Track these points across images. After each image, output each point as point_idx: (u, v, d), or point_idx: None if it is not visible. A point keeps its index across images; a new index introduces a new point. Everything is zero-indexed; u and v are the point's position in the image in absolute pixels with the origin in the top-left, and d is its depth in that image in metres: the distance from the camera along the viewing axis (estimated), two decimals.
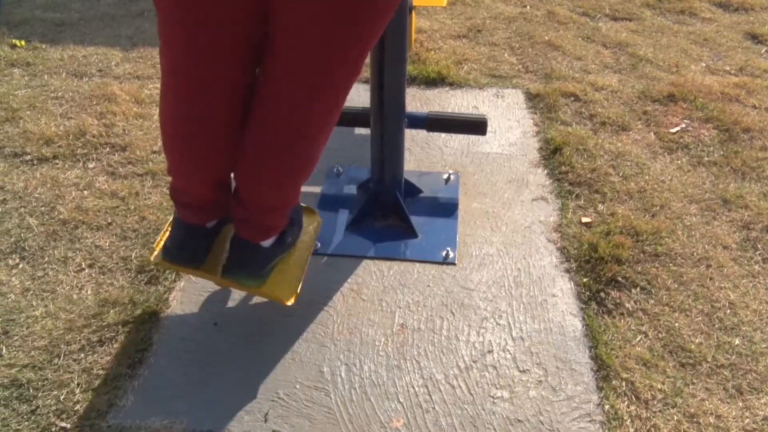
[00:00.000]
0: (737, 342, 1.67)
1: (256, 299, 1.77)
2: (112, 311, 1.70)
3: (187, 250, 1.55)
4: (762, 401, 1.53)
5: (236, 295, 1.78)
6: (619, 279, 1.83)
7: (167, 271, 1.83)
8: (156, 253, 1.62)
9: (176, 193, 1.52)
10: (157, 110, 2.61)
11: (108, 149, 2.37)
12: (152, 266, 1.83)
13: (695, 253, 1.94)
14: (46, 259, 1.88)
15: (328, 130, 1.44)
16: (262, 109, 1.37)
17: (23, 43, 3.16)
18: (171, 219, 1.61)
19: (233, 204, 1.52)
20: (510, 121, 2.62)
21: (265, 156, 1.41)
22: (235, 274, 1.54)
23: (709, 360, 1.62)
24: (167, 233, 1.62)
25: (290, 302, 1.59)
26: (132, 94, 2.70)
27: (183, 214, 1.54)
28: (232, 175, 1.52)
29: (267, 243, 1.55)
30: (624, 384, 1.55)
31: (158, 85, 2.79)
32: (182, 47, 1.29)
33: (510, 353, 1.64)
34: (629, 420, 1.48)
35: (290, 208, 1.57)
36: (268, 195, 1.49)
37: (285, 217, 1.57)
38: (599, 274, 1.85)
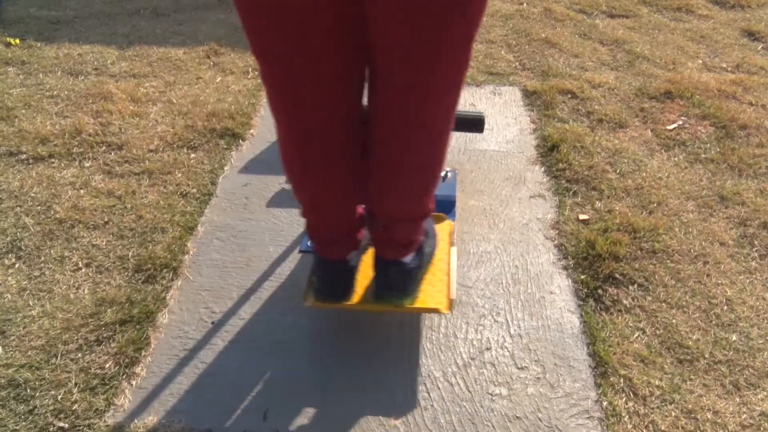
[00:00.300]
0: (734, 338, 1.68)
1: (253, 297, 1.77)
2: (109, 310, 1.70)
3: (338, 286, 1.55)
4: (759, 397, 1.53)
5: (233, 294, 1.79)
6: (617, 276, 1.84)
7: (164, 270, 1.83)
8: (308, 296, 1.59)
9: (316, 232, 1.51)
10: (153, 109, 2.61)
11: (104, 148, 2.36)
12: (151, 265, 1.83)
13: (692, 250, 1.95)
14: (43, 258, 1.87)
15: (450, 126, 1.36)
16: (380, 124, 1.33)
17: (18, 41, 3.16)
18: (313, 262, 1.59)
19: (370, 227, 1.52)
20: (507, 119, 2.62)
21: (395, 170, 1.38)
22: (387, 296, 1.54)
23: (706, 356, 1.63)
24: (312, 277, 1.60)
25: (447, 311, 1.55)
26: (128, 93, 2.70)
27: (325, 252, 1.53)
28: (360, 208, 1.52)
29: (408, 258, 1.53)
30: (622, 380, 1.56)
31: (154, 84, 2.79)
32: (292, 94, 1.26)
33: (508, 350, 1.64)
34: (627, 416, 1.48)
35: (426, 219, 1.54)
36: (403, 209, 1.46)
37: (421, 229, 1.55)
38: (597, 271, 1.85)
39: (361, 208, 1.54)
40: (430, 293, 1.59)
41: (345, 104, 1.30)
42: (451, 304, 1.57)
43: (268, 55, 1.21)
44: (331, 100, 1.27)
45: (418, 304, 1.56)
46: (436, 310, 1.55)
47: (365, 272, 1.61)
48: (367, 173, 1.41)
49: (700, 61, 3.13)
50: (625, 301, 1.77)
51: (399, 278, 1.53)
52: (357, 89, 1.31)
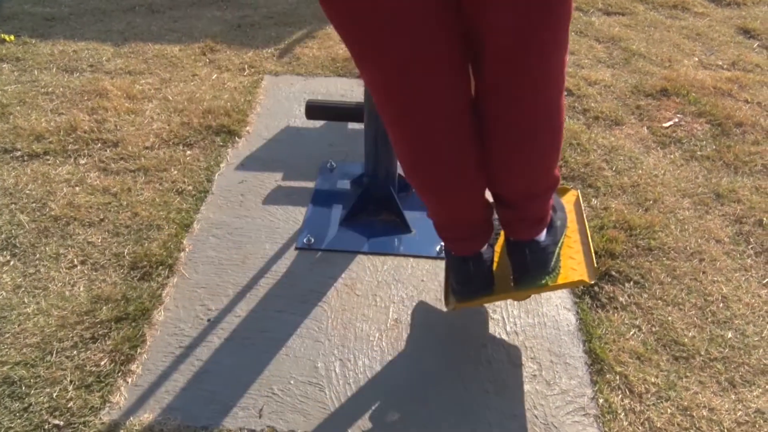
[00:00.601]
0: (730, 335, 1.68)
1: (249, 295, 1.77)
2: (104, 308, 1.70)
3: (476, 281, 1.51)
4: (754, 394, 1.54)
5: (229, 292, 1.78)
6: (613, 273, 1.84)
7: (160, 267, 1.83)
8: (450, 299, 1.57)
9: (447, 230, 1.49)
10: (149, 106, 2.60)
11: (100, 145, 2.35)
12: (146, 263, 1.83)
13: (688, 247, 1.95)
14: (38, 255, 1.87)
15: (564, 86, 1.33)
16: (495, 103, 1.29)
17: (12, 38, 3.14)
18: (446, 265, 1.57)
19: (500, 211, 1.47)
20: None
21: (518, 143, 1.33)
22: (528, 281, 1.48)
23: (702, 353, 1.63)
24: (449, 278, 1.59)
25: (593, 280, 1.50)
26: (124, 90, 2.69)
27: (458, 249, 1.50)
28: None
29: (542, 237, 1.49)
30: (618, 378, 1.56)
31: (149, 80, 2.78)
32: (407, 96, 1.23)
33: (504, 348, 1.64)
34: (623, 413, 1.48)
35: (554, 190, 1.48)
36: (532, 182, 1.41)
37: (550, 203, 1.50)
38: None
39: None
40: (571, 266, 1.53)
41: (458, 94, 1.26)
42: (595, 272, 1.51)
43: (376, 62, 1.19)
44: (444, 93, 1.24)
45: (561, 281, 1.50)
46: (582, 282, 1.49)
47: (497, 261, 1.57)
48: (486, 157, 1.36)
49: (696, 59, 3.13)
50: (621, 299, 1.77)
51: (537, 258, 1.47)
52: (466, 77, 1.27)
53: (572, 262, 1.54)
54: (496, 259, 1.60)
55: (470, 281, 1.51)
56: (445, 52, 1.19)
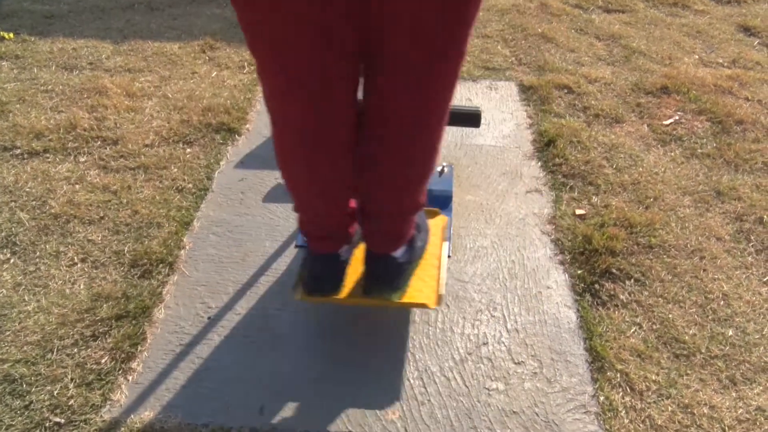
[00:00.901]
0: (731, 333, 1.68)
1: (249, 293, 1.77)
2: (105, 305, 1.69)
3: (327, 280, 1.54)
4: (755, 391, 1.54)
5: (229, 290, 1.78)
6: (614, 271, 1.84)
7: (160, 265, 1.82)
8: (298, 289, 1.58)
9: (308, 226, 1.51)
10: (149, 103, 2.59)
11: (99, 143, 2.35)
12: (147, 261, 1.83)
13: (689, 245, 1.95)
14: (38, 253, 1.87)
15: (444, 121, 1.37)
16: (375, 118, 1.33)
17: (12, 35, 3.14)
18: (303, 256, 1.59)
19: (361, 221, 1.51)
20: (503, 114, 2.62)
21: (387, 161, 1.38)
22: (377, 291, 1.53)
23: (702, 351, 1.63)
24: (302, 271, 1.60)
25: (435, 306, 1.55)
26: (123, 87, 2.68)
27: (317, 246, 1.53)
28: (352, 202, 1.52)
29: (399, 253, 1.53)
30: (619, 375, 1.56)
31: (149, 78, 2.78)
32: (289, 87, 1.25)
33: (505, 345, 1.64)
34: (624, 411, 1.48)
35: (417, 212, 1.54)
36: (399, 203, 1.46)
37: (412, 223, 1.55)
38: (593, 265, 1.85)
39: (353, 203, 1.53)
40: (419, 288, 1.58)
41: (341, 101, 1.29)
42: (439, 300, 1.56)
43: (264, 51, 1.20)
44: (328, 97, 1.27)
45: (406, 299, 1.55)
46: (424, 305, 1.54)
47: (356, 267, 1.61)
48: (358, 167, 1.40)
49: (697, 57, 3.13)
50: (621, 296, 1.77)
51: (388, 272, 1.53)
52: (353, 86, 1.30)
53: (422, 284, 1.59)
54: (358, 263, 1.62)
55: (320, 279, 1.54)
56: (330, 58, 1.20)
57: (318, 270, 1.54)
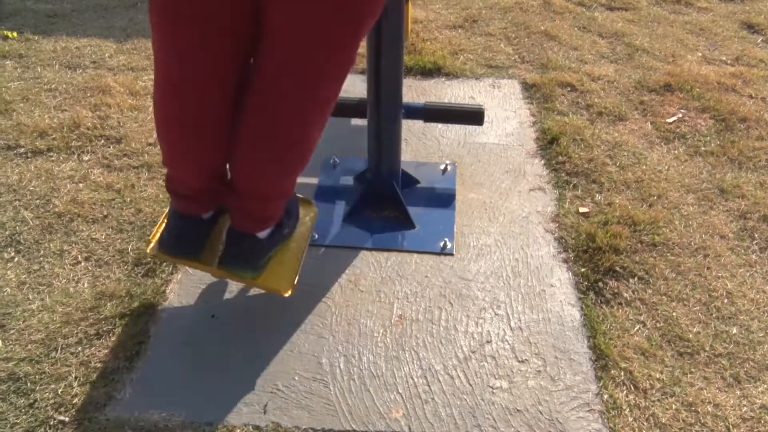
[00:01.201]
0: (735, 331, 1.68)
1: (254, 291, 1.77)
2: (109, 304, 1.70)
3: (184, 241, 1.54)
4: (759, 389, 1.53)
5: (234, 288, 1.78)
6: (617, 269, 1.83)
7: (164, 264, 1.82)
8: (152, 244, 1.61)
9: (171, 183, 1.52)
10: (152, 102, 2.59)
11: (103, 141, 2.35)
12: (149, 258, 1.83)
13: (692, 243, 1.95)
14: (42, 252, 1.87)
15: (323, 119, 1.44)
16: (255, 99, 1.37)
17: (15, 34, 3.14)
18: (167, 210, 1.60)
19: (229, 195, 1.52)
20: (507, 112, 2.62)
21: (260, 145, 1.41)
22: (231, 266, 1.53)
23: (706, 349, 1.63)
24: (163, 225, 1.62)
25: (288, 293, 1.59)
26: (126, 86, 2.68)
27: (179, 205, 1.53)
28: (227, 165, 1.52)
29: (263, 234, 1.54)
30: (622, 373, 1.56)
31: (152, 77, 2.77)
32: (171, 42, 1.30)
33: (508, 343, 1.64)
34: (628, 409, 1.48)
35: (286, 199, 1.56)
36: (263, 185, 1.48)
37: (281, 208, 1.56)
38: (597, 264, 1.85)
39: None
40: (276, 273, 1.58)
41: (228, 64, 1.33)
42: (293, 289, 1.57)
43: (154, 17, 1.27)
44: (213, 59, 1.31)
45: (261, 281, 1.56)
46: (277, 291, 1.56)
47: (221, 237, 1.60)
48: (235, 137, 1.42)
49: (700, 54, 3.12)
50: (625, 294, 1.77)
51: (247, 251, 1.53)
52: (244, 52, 1.34)
53: (279, 269, 1.60)
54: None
55: (179, 238, 1.54)
56: (215, 34, 1.28)
57: (177, 229, 1.53)
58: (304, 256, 1.67)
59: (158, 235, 1.61)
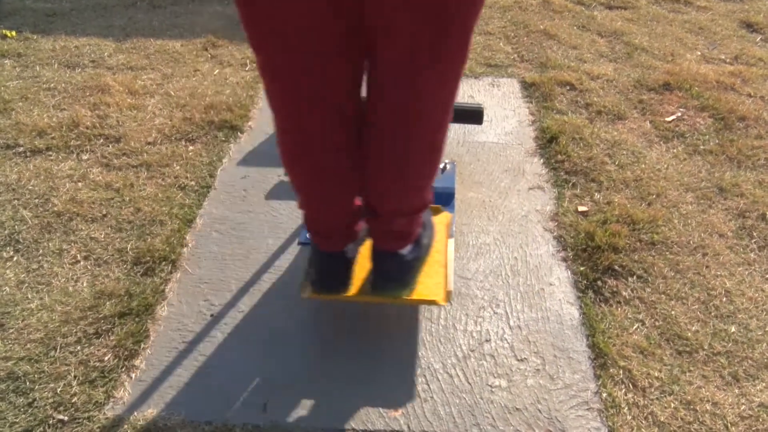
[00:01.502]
0: (733, 329, 1.68)
1: (252, 291, 1.77)
2: (108, 303, 1.69)
3: (336, 278, 1.55)
4: (758, 388, 1.53)
5: (232, 287, 1.78)
6: (616, 267, 1.84)
7: (163, 263, 1.82)
8: (305, 288, 1.58)
9: (313, 224, 1.51)
10: (151, 101, 2.59)
11: (102, 140, 2.35)
12: (149, 258, 1.83)
13: (691, 242, 1.95)
14: (41, 251, 1.87)
15: (445, 120, 1.36)
16: (373, 114, 1.33)
17: (14, 33, 3.14)
18: (310, 251, 1.59)
19: (368, 219, 1.51)
20: (506, 111, 2.62)
21: (387, 157, 1.37)
22: (386, 288, 1.54)
23: (705, 347, 1.63)
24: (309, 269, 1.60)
25: (444, 302, 1.55)
26: (125, 85, 2.68)
27: (322, 244, 1.52)
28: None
29: (406, 250, 1.53)
30: (621, 372, 1.56)
31: (151, 76, 2.77)
32: (292, 90, 1.26)
33: (508, 342, 1.64)
34: (627, 408, 1.48)
35: (422, 210, 1.53)
36: (403, 201, 1.46)
37: (419, 221, 1.55)
38: (596, 262, 1.85)
39: (359, 200, 1.53)
40: (427, 285, 1.58)
41: (344, 99, 1.29)
42: (448, 296, 1.56)
43: (266, 49, 1.20)
44: (331, 96, 1.27)
45: (415, 296, 1.55)
46: (434, 302, 1.54)
47: (363, 264, 1.61)
48: (364, 165, 1.40)
49: (699, 53, 3.12)
50: (624, 293, 1.77)
51: (396, 270, 1.53)
52: (356, 83, 1.30)
53: (430, 281, 1.60)
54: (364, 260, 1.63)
55: (328, 276, 1.55)
56: (332, 55, 1.21)
57: (325, 268, 1.54)
58: (450, 261, 1.66)
59: (307, 278, 1.59)
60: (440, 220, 1.77)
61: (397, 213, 1.47)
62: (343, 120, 1.32)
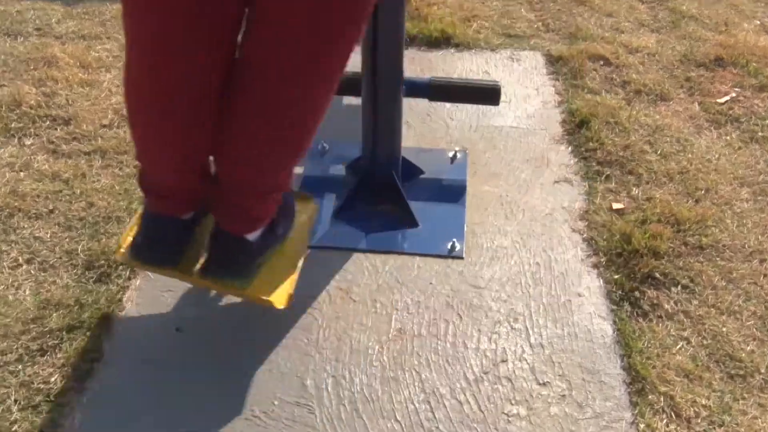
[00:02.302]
0: None
1: (228, 299, 1.78)
2: (55, 314, 1.70)
3: (160, 247, 1.54)
4: None
5: (204, 296, 1.79)
6: (657, 276, 1.84)
7: (120, 267, 1.83)
8: (122, 250, 1.60)
9: (145, 179, 1.52)
10: (107, 76, 2.60)
11: (48, 123, 2.36)
12: (106, 261, 1.83)
13: (747, 246, 1.96)
14: None
15: (325, 100, 1.43)
16: (246, 80, 1.37)
17: None
18: (139, 211, 1.60)
19: (213, 191, 1.52)
20: (528, 89, 2.63)
21: (251, 130, 1.41)
22: (217, 274, 1.53)
23: (762, 371, 1.64)
24: (135, 227, 1.61)
25: (282, 306, 1.57)
26: (76, 57, 2.69)
27: (154, 205, 1.53)
28: (211, 158, 1.52)
29: (253, 236, 1.54)
30: (662, 399, 1.56)
31: (107, 47, 2.78)
32: (151, 24, 1.30)
33: (527, 363, 1.65)
34: None
35: (281, 193, 1.56)
36: (254, 177, 1.48)
37: (274, 205, 1.56)
38: (633, 269, 1.86)
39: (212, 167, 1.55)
40: (268, 282, 1.58)
41: (215, 47, 1.34)
42: (289, 300, 1.58)
43: None
44: (209, 32, 1.31)
45: (250, 291, 1.56)
46: (270, 303, 1.56)
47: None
48: (221, 126, 1.42)
49: (758, 22, 3.13)
50: (666, 306, 1.78)
51: (235, 257, 1.53)
52: (232, 34, 1.35)
53: (272, 278, 1.60)
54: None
55: (154, 244, 1.54)
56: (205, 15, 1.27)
57: (152, 234, 1.53)
58: (302, 261, 1.67)
59: (129, 239, 1.61)
60: (304, 210, 1.77)
61: (245, 188, 1.49)
62: (207, 70, 1.35)
